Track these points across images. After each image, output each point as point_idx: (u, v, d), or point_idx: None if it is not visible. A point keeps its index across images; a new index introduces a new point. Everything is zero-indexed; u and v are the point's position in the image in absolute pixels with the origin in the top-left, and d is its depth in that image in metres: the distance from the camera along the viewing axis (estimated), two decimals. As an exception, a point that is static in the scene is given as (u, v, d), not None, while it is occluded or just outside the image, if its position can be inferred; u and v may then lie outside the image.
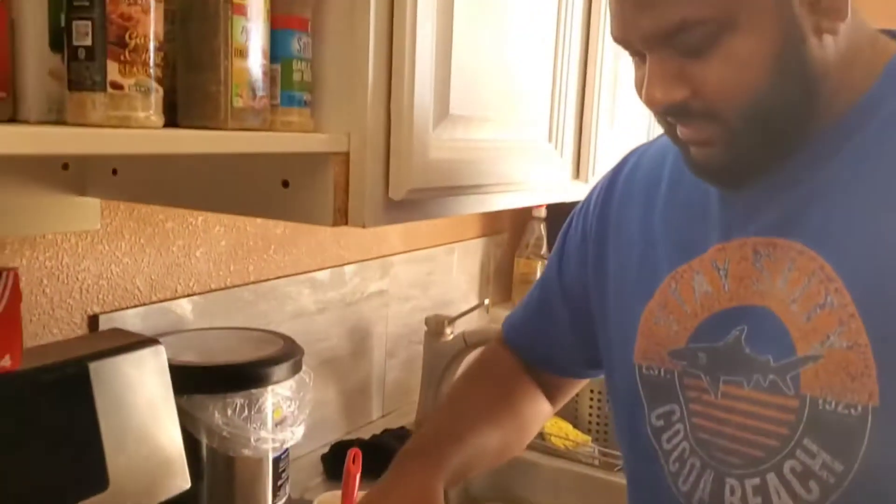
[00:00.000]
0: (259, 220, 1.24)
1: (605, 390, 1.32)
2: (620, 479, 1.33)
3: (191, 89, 0.66)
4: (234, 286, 1.20)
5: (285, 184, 0.76)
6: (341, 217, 0.75)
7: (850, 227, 0.66)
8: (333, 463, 1.31)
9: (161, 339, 0.93)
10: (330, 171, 0.74)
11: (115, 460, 0.84)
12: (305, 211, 0.76)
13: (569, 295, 0.92)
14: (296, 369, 1.01)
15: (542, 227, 1.84)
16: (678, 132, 0.70)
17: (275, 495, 1.02)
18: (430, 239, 1.66)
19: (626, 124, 1.24)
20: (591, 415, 1.54)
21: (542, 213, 1.84)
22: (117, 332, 0.97)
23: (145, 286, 1.08)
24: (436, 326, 1.48)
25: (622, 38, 0.68)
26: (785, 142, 0.68)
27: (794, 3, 0.63)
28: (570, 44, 1.06)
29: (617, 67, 1.19)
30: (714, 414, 0.72)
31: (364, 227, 0.75)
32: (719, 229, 0.74)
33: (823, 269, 0.65)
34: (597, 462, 1.42)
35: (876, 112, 0.67)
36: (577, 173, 1.14)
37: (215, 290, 1.18)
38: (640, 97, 0.69)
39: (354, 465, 0.95)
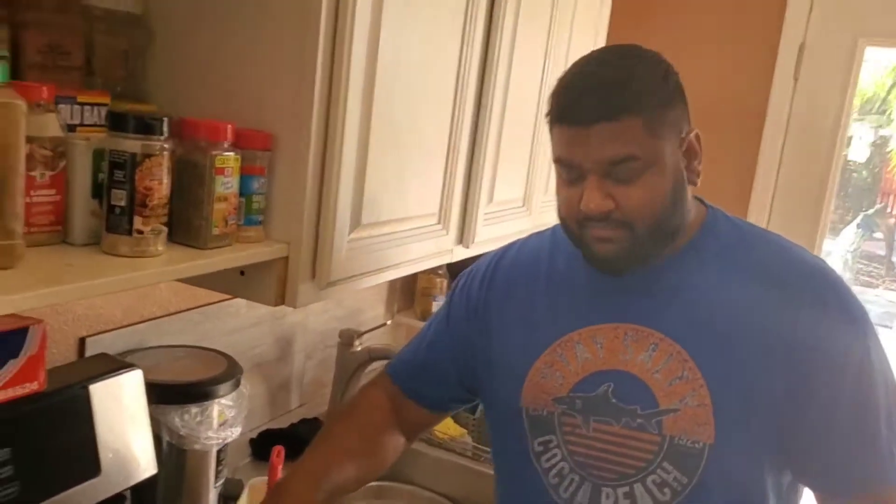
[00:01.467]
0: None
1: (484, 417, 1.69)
2: (488, 469, 1.72)
3: (182, 221, 0.98)
4: (186, 310, 1.52)
5: (242, 272, 1.09)
6: (280, 300, 1.08)
7: (695, 325, 0.99)
8: (260, 446, 1.65)
9: (129, 357, 1.24)
10: (274, 268, 1.08)
11: (105, 454, 1.16)
12: (255, 293, 1.09)
13: (453, 343, 1.18)
14: (236, 385, 1.35)
15: (443, 250, 2.20)
16: (590, 233, 0.97)
17: (216, 477, 1.36)
18: (347, 259, 1.99)
19: (501, 198, 1.61)
20: (467, 411, 1.91)
21: (443, 239, 2.19)
22: (104, 356, 1.28)
23: (121, 313, 1.39)
24: (347, 338, 1.82)
25: (570, 162, 0.95)
26: (663, 249, 1.00)
27: (679, 163, 0.97)
28: (460, 143, 1.41)
29: (497, 152, 1.54)
30: (587, 443, 1.02)
31: (295, 307, 1.09)
32: (597, 313, 1.04)
33: (681, 353, 0.98)
34: (469, 453, 1.80)
35: (703, 251, 1.02)
36: (461, 240, 1.50)
37: (172, 313, 1.49)
38: (564, 206, 0.99)
39: (278, 458, 1.30)
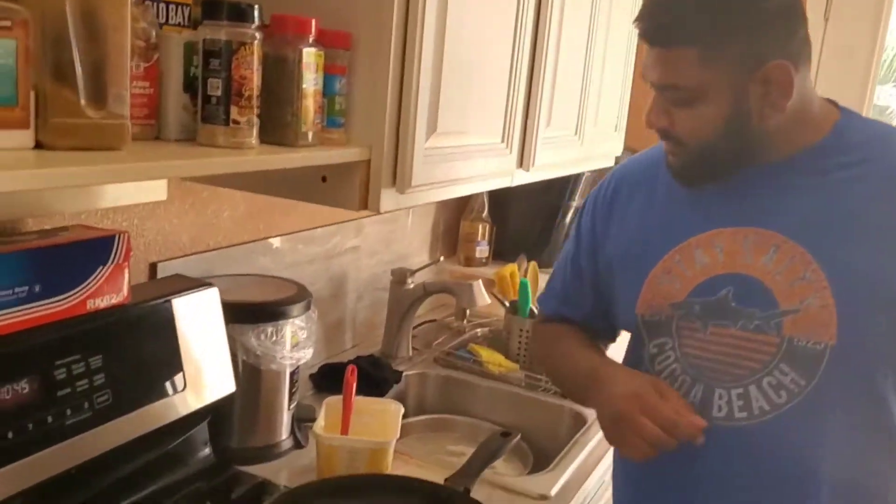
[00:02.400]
0: (268, 190, 1.55)
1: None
2: (541, 396, 1.73)
3: (273, 119, 0.98)
4: (249, 241, 1.53)
5: (324, 179, 1.10)
6: (363, 204, 1.09)
7: (818, 225, 0.97)
8: (321, 380, 1.66)
9: (204, 283, 1.25)
10: (356, 173, 1.08)
11: (189, 369, 1.17)
12: (337, 199, 1.09)
13: (585, 266, 1.19)
14: (307, 307, 1.35)
15: (485, 195, 2.20)
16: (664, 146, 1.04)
17: (290, 399, 1.37)
18: (393, 203, 1.99)
19: (558, 125, 1.61)
20: (519, 347, 1.92)
21: (486, 183, 2.19)
22: (179, 277, 1.28)
23: (188, 241, 1.39)
24: (400, 276, 1.83)
25: (644, 76, 0.99)
26: (726, 169, 1.01)
27: (749, 94, 0.94)
28: (520, 68, 1.41)
29: (554, 81, 1.55)
30: (702, 346, 1.02)
31: (378, 212, 1.09)
32: (717, 218, 1.02)
33: (803, 255, 0.97)
34: (523, 384, 1.81)
35: (832, 154, 1.00)
36: (521, 163, 1.50)
37: (236, 244, 1.50)
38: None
39: (352, 375, 1.31)
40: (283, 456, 1.36)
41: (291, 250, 1.63)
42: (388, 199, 1.10)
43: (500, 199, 2.24)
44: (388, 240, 1.99)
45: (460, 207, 2.28)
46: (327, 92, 1.04)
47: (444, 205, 2.23)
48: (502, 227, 2.26)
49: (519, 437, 1.25)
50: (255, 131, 0.94)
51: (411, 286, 1.82)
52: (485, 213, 2.20)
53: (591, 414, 1.65)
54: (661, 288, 1.05)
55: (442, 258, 1.91)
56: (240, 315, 1.27)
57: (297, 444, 1.39)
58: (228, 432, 1.32)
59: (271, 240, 1.58)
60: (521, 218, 2.29)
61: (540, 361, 1.28)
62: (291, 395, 1.38)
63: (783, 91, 0.95)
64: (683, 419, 0.94)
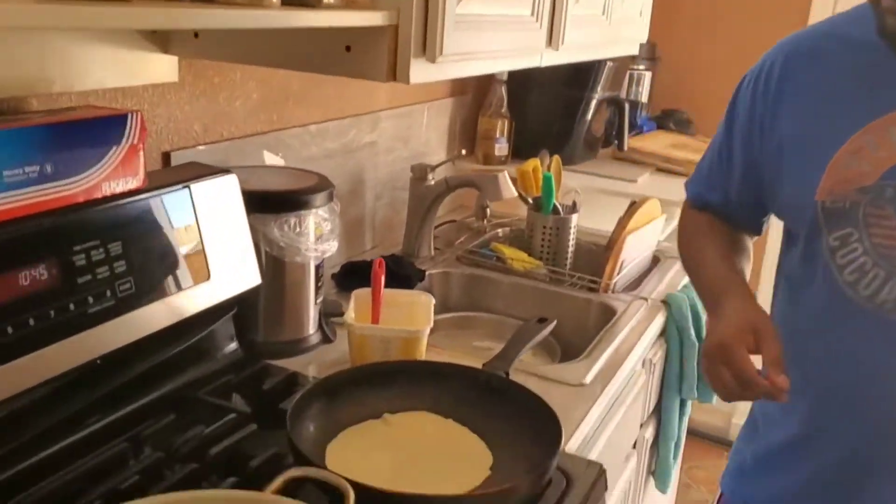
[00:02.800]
0: (281, 75, 1.47)
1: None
2: (566, 290, 1.69)
3: (296, -24, 0.90)
4: (262, 133, 1.46)
5: (348, 48, 1.02)
6: (391, 74, 1.01)
7: None
8: (343, 279, 1.62)
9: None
10: (382, 40, 1.00)
11: (213, 258, 1.12)
12: (364, 69, 1.02)
13: (737, 151, 1.08)
14: (330, 198, 1.29)
15: (504, 89, 2.11)
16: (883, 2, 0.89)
17: (316, 293, 1.32)
18: (408, 97, 1.91)
19: (587, 1, 1.52)
20: (542, 246, 1.87)
21: (504, 76, 2.10)
22: (194, 164, 1.22)
23: (200, 130, 1.32)
24: (420, 172, 1.76)
25: None
26: None
27: None
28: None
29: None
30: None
31: (408, 82, 1.02)
32: None
33: None
34: (547, 279, 1.77)
35: None
36: (549, 42, 1.41)
37: (249, 135, 1.43)
38: None
39: (380, 268, 1.26)
40: (311, 350, 1.32)
41: (306, 144, 1.56)
42: (418, 69, 1.03)
43: (519, 94, 2.15)
44: (405, 136, 1.91)
45: (477, 103, 2.20)
46: (351, -52, 0.95)
47: (460, 101, 2.15)
48: (521, 123, 2.18)
49: (555, 323, 1.21)
50: (277, -12, 0.86)
51: (432, 182, 1.75)
52: (503, 109, 2.11)
53: (619, 305, 1.61)
54: (847, 171, 0.92)
55: (464, 151, 1.84)
56: (261, 204, 1.21)
57: (326, 339, 1.35)
58: (254, 326, 1.28)
59: (285, 133, 1.50)
60: (541, 113, 2.21)
61: (680, 249, 1.20)
62: (317, 289, 1.33)
63: None
64: (759, 382, 0.88)
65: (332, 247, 1.30)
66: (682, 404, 1.74)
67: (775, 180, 1.02)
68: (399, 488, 0.86)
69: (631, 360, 1.40)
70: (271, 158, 1.41)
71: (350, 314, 1.21)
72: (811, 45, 1.01)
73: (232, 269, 1.15)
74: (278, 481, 0.77)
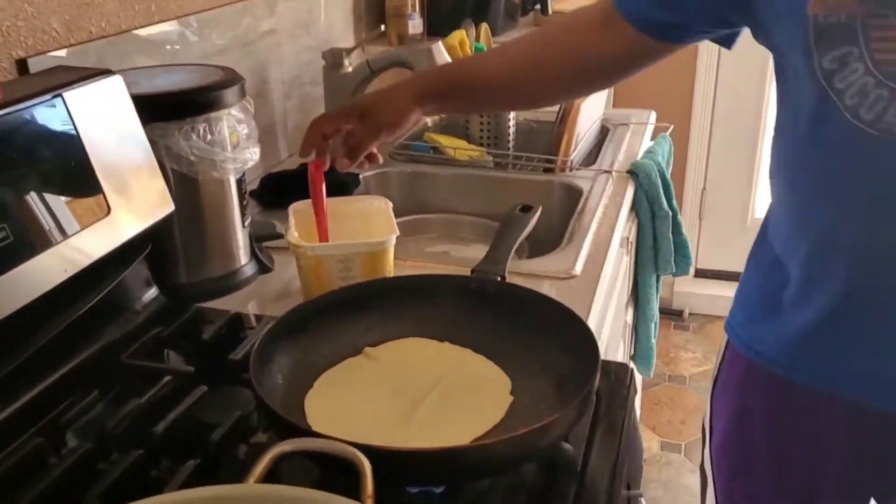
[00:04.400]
0: (153, -46, 1.18)
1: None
2: (521, 175, 1.50)
3: None
4: (141, 27, 1.17)
5: None
6: None
7: None
8: (265, 194, 1.37)
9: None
10: None
11: (110, 188, 0.86)
12: None
13: None
14: (242, 93, 1.04)
15: (410, -43, 1.84)
16: None
17: (242, 214, 1.08)
18: (303, -25, 1.63)
19: None
20: (482, 130, 1.66)
21: (409, -58, 1.83)
22: (64, 68, 0.94)
23: (61, 28, 1.03)
24: (334, 59, 1.51)
25: None
26: None
27: None
28: None
29: None
30: None
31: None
32: None
33: None
34: (494, 166, 1.57)
35: None
36: None
37: (125, 31, 1.14)
38: None
39: (317, 171, 1.02)
40: (248, 284, 1.09)
41: (197, 37, 1.28)
42: None
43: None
44: (306, 21, 1.64)
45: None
46: None
47: (362, -24, 1.87)
48: (433, -3, 1.93)
49: (540, 209, 1.01)
50: None
51: (350, 69, 1.50)
52: (413, -19, 1.85)
53: (584, 183, 1.44)
54: None
55: (383, 27, 1.59)
56: (158, 110, 0.95)
57: (263, 268, 1.12)
58: (175, 266, 1.04)
59: (167, 23, 1.22)
60: (455, -18, 1.96)
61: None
62: (243, 209, 1.09)
63: None
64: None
65: (253, 154, 1.06)
66: (657, 280, 1.61)
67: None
68: (414, 443, 0.67)
69: (615, 242, 1.24)
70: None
71: (293, 233, 0.98)
72: None
73: (135, 198, 0.91)
74: (265, 461, 0.56)
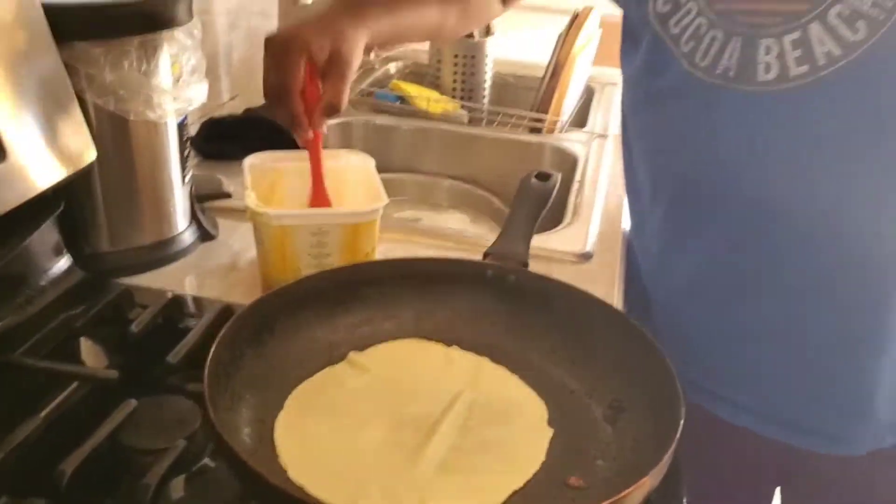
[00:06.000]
0: None
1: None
2: (508, 134, 1.31)
3: None
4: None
5: None
6: None
7: None
8: (205, 144, 1.14)
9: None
10: None
11: (9, 129, 0.64)
12: None
13: None
14: (189, 12, 0.81)
15: None
16: None
17: (183, 168, 0.86)
18: None
19: None
20: (455, 81, 1.47)
21: None
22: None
23: None
24: (292, -15, 1.27)
25: None
26: None
27: None
28: None
29: None
30: None
31: None
32: None
33: None
34: (466, 120, 1.38)
35: None
36: None
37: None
38: None
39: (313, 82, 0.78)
40: (187, 254, 0.88)
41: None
42: None
43: None
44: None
45: None
46: None
47: None
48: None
49: (560, 177, 0.83)
50: None
51: (310, 1, 1.27)
52: None
53: (578, 148, 1.26)
54: None
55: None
56: (78, 27, 0.72)
57: (205, 235, 0.91)
58: (94, 230, 0.82)
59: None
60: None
61: None
62: (184, 161, 0.87)
63: None
64: (290, 109, 0.72)
65: (199, 92, 0.84)
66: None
67: None
68: (432, 502, 0.48)
69: (625, 217, 1.06)
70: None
71: (251, 195, 0.77)
72: None
73: (44, 141, 0.68)
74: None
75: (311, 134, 0.75)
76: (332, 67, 0.72)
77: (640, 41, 0.79)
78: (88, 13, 0.72)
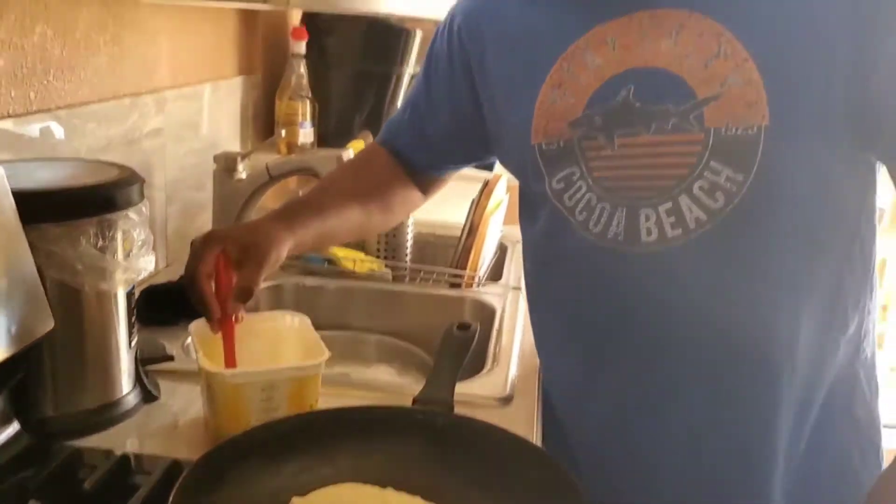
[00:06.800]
0: (36, 39, 1.04)
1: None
2: (429, 290, 1.42)
3: None
4: (17, 115, 1.02)
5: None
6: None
7: None
8: (144, 309, 1.20)
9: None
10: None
11: (-24, 299, 0.70)
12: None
13: (441, 105, 1.01)
14: (141, 195, 0.91)
15: (303, 65, 1.78)
16: None
17: (130, 334, 0.92)
18: (193, 75, 1.52)
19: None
20: (379, 241, 1.58)
21: (302, 48, 1.77)
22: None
23: (-79, 111, 0.87)
24: (227, 163, 1.39)
25: None
26: None
27: None
28: None
29: None
30: (616, 164, 0.83)
31: (287, 5, 0.69)
32: (602, 9, 0.83)
33: (712, 26, 0.78)
34: (393, 279, 1.49)
35: None
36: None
37: (-3, 118, 0.99)
38: None
39: (226, 265, 0.87)
40: (132, 416, 0.93)
41: (79, 132, 1.14)
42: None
43: (319, 72, 1.84)
44: (194, 122, 1.52)
45: (268, 84, 1.84)
46: None
47: (250, 82, 1.78)
48: (324, 105, 1.86)
49: (478, 326, 0.93)
50: None
51: (243, 174, 1.39)
52: (304, 89, 1.78)
53: (495, 300, 1.37)
54: (554, 108, 0.86)
55: (283, 132, 1.49)
56: (43, 210, 0.80)
57: (148, 397, 0.96)
58: (41, 396, 0.86)
59: (47, 116, 1.07)
60: (347, 93, 1.91)
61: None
62: (131, 327, 0.93)
63: None
64: (200, 291, 0.84)
65: (148, 264, 0.92)
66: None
67: (494, 131, 0.97)
68: None
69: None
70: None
71: (203, 358, 0.84)
72: None
73: (5, 315, 0.74)
74: None
75: (217, 316, 0.84)
76: (248, 257, 0.84)
77: (539, 211, 0.93)
78: (52, 198, 0.81)
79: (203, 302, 0.84)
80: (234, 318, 0.87)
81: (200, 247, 0.85)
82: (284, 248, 0.88)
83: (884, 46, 0.75)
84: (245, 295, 0.84)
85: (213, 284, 0.86)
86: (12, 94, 1.01)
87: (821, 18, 0.76)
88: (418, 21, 1.80)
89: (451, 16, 1.00)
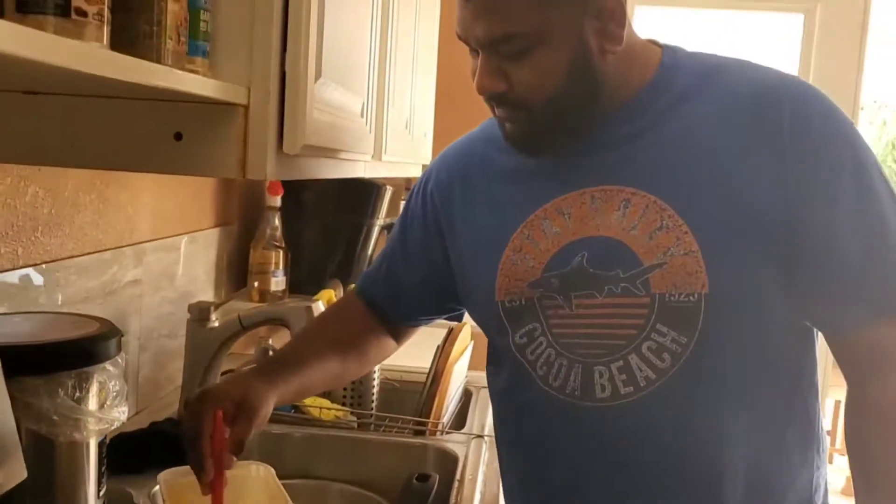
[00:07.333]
0: (28, 199, 1.11)
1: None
2: (392, 438, 1.45)
3: (125, 27, 0.63)
4: (4, 270, 1.07)
5: (178, 136, 0.75)
6: (241, 168, 0.76)
7: (664, 170, 0.88)
8: (113, 456, 1.22)
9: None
10: (227, 124, 0.75)
11: (-45, 450, 0.73)
12: (202, 163, 0.75)
13: (416, 261, 1.08)
14: (118, 348, 0.95)
15: (277, 217, 1.87)
16: (496, 112, 0.91)
17: (98, 483, 0.94)
18: (171, 227, 1.60)
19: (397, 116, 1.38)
20: (346, 389, 1.62)
21: (278, 202, 1.87)
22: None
23: (-88, 267, 0.92)
24: (200, 313, 1.44)
25: (463, 37, 0.88)
26: (575, 123, 0.91)
27: (586, 30, 0.85)
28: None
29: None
30: (572, 322, 0.90)
31: (265, 178, 0.77)
32: (559, 184, 0.93)
33: (656, 202, 0.87)
34: (355, 423, 1.52)
35: (662, 93, 0.91)
36: (374, 151, 1.24)
37: (-15, 273, 1.04)
38: (474, 82, 0.89)
39: (223, 421, 0.91)
40: (94, 569, 0.93)
41: (59, 284, 1.19)
42: (273, 163, 0.79)
43: (293, 224, 1.93)
44: (171, 273, 1.58)
45: (244, 234, 1.93)
46: (192, 4, 0.71)
47: (227, 232, 1.86)
48: (297, 255, 1.94)
49: (437, 477, 0.96)
50: (106, 32, 0.58)
51: (216, 323, 1.44)
52: (277, 239, 1.86)
53: (458, 448, 1.40)
54: (515, 269, 0.94)
55: (256, 283, 1.55)
56: (22, 363, 0.84)
57: (113, 547, 0.97)
58: (7, 547, 0.87)
59: (32, 271, 1.13)
60: (319, 244, 1.99)
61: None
62: (100, 477, 0.95)
63: (618, 21, 0.87)
64: (198, 453, 0.87)
65: (121, 415, 0.95)
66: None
67: (462, 289, 1.04)
68: None
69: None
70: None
71: (167, 509, 0.86)
72: (467, 152, 1.05)
73: (-16, 465, 0.77)
74: None
75: (210, 478, 0.87)
76: (241, 413, 0.89)
77: (503, 363, 0.99)
78: (33, 352, 0.85)
79: (201, 463, 0.87)
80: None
81: (198, 406, 0.89)
82: (271, 405, 0.94)
83: (811, 208, 0.85)
84: (239, 448, 0.89)
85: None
86: (1, 251, 1.07)
87: (752, 189, 0.86)
88: (389, 178, 1.91)
89: (427, 176, 1.09)
